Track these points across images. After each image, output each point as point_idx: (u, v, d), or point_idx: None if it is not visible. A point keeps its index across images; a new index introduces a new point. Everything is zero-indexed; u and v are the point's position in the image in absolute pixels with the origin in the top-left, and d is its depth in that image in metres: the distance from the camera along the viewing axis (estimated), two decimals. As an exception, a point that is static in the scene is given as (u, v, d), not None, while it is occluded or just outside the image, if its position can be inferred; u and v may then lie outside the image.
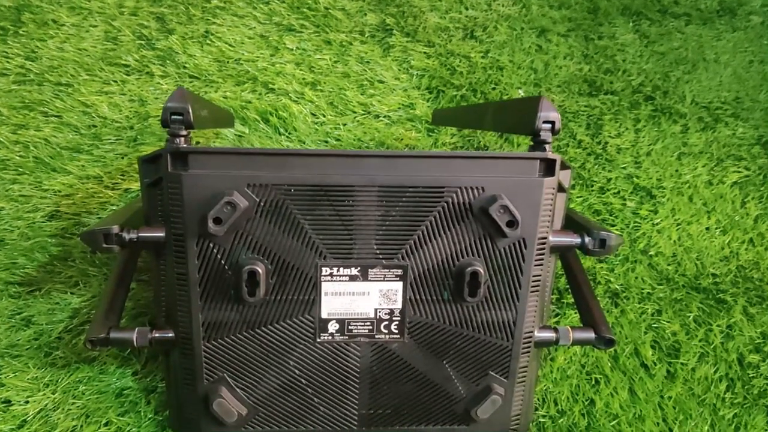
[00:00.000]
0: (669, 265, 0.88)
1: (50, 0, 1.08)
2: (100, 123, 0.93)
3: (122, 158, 0.91)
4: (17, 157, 0.87)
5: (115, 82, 0.99)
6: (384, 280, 0.63)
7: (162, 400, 0.70)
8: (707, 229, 0.93)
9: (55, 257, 0.79)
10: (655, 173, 0.98)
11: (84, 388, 0.69)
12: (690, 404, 0.74)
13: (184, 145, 0.60)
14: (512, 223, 0.62)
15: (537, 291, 0.66)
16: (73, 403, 0.67)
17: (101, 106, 0.95)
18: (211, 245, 0.60)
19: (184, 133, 0.61)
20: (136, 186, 0.87)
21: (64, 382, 0.69)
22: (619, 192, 0.96)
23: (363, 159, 0.61)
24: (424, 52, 1.10)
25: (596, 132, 1.02)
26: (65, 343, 0.73)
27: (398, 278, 0.63)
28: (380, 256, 0.63)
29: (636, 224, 0.93)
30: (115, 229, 0.61)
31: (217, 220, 0.58)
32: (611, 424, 0.72)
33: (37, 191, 0.85)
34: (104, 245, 0.61)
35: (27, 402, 0.67)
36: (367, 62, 1.07)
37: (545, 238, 0.65)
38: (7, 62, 0.99)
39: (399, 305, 0.64)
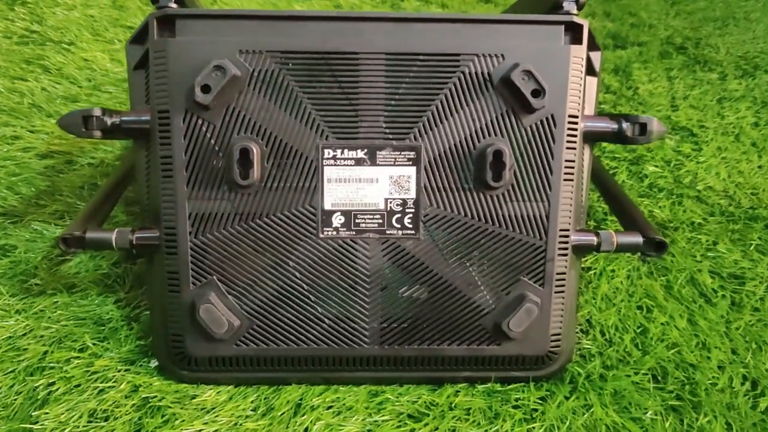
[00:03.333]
0: (721, 199, 0.79)
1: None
2: (101, 76, 0.91)
3: (121, 106, 0.87)
4: (12, 104, 0.85)
5: (119, 41, 0.97)
6: (394, 165, 0.56)
7: (146, 327, 0.62)
8: (760, 167, 0.85)
9: (42, 191, 0.74)
10: (695, 115, 0.91)
11: (60, 313, 0.62)
12: (763, 333, 0.63)
13: (172, 5, 0.55)
14: (538, 92, 0.55)
15: (571, 181, 0.58)
16: (46, 328, 0.60)
17: (103, 61, 0.93)
18: (200, 122, 0.55)
19: (173, 5, 0.56)
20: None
21: (38, 307, 0.62)
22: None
23: (368, 22, 0.55)
24: None
25: (625, 78, 0.96)
26: (43, 270, 0.66)
27: (411, 162, 0.56)
28: (390, 136, 0.56)
29: (678, 161, 0.84)
30: (97, 111, 0.56)
31: (205, 88, 0.53)
32: (670, 353, 0.61)
33: (30, 133, 0.81)
34: (84, 129, 0.56)
35: (-6, 327, 0.60)
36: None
37: (576, 117, 0.57)
38: (12, 25, 0.98)
39: (412, 194, 0.56)
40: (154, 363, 0.60)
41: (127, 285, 0.66)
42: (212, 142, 0.55)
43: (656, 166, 0.83)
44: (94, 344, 0.60)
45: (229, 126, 0.55)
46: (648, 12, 1.10)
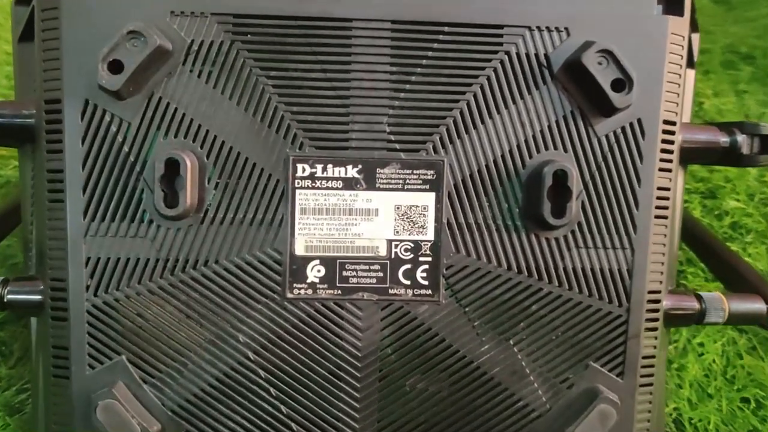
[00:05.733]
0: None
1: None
2: None
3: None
4: None
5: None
6: (403, 189, 0.38)
7: (31, 423, 0.43)
8: None
9: None
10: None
11: None
12: None
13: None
14: (622, 84, 0.37)
15: (664, 218, 0.39)
16: None
17: None
18: (107, 117, 0.36)
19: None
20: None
21: None
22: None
23: (366, -24, 0.38)
24: None
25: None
26: None
27: (428, 186, 0.38)
28: (397, 146, 0.38)
29: (765, 195, 0.67)
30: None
31: (115, 66, 0.35)
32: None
33: None
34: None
35: None
36: None
37: (673, 124, 0.39)
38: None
39: (430, 235, 0.38)
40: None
41: (14, 357, 0.47)
42: (125, 149, 0.37)
43: (738, 200, 0.65)
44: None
45: (151, 125, 0.37)
46: (702, 16, 0.93)
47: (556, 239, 0.38)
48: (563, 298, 0.39)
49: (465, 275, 0.38)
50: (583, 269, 0.39)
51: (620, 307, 0.39)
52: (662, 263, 0.40)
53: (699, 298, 0.42)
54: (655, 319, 0.40)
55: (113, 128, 0.36)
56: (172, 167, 0.36)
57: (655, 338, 0.40)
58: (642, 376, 0.40)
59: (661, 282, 0.40)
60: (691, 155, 0.42)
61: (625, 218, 0.39)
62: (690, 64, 0.43)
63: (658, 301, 0.40)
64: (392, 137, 0.38)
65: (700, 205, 0.66)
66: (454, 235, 0.38)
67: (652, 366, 0.40)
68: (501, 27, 0.38)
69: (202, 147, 0.37)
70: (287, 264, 0.37)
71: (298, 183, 0.37)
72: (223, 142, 0.37)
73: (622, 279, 0.39)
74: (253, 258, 0.37)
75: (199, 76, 0.37)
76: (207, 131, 0.37)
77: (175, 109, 0.37)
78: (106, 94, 0.35)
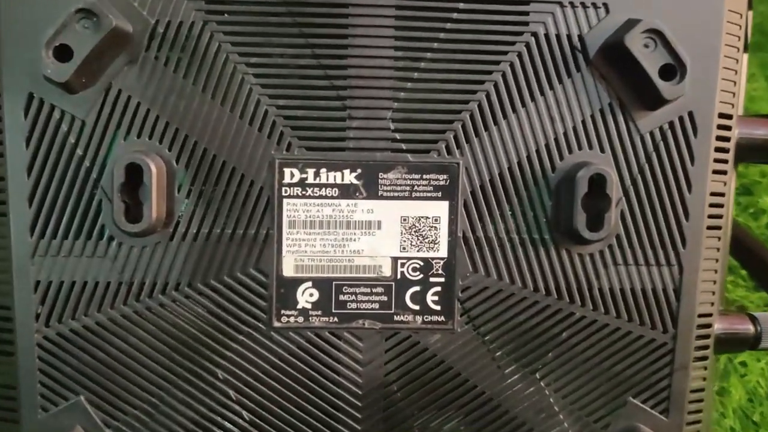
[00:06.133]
0: None
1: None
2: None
3: None
4: None
5: None
6: (410, 197, 0.32)
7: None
8: None
9: None
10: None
11: None
12: None
13: None
14: (673, 71, 0.31)
15: (718, 229, 0.34)
16: None
17: None
18: (55, 114, 0.31)
19: None
20: None
21: None
22: None
23: (365, -59, 0.32)
24: None
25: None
26: None
27: (440, 193, 0.32)
28: (403, 146, 0.32)
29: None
30: None
31: (63, 52, 0.29)
32: None
33: None
34: None
35: None
36: None
37: (730, 118, 0.34)
38: None
39: (442, 251, 0.32)
40: None
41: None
42: (79, 152, 0.31)
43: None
44: None
45: (109, 123, 0.31)
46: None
47: (591, 255, 0.33)
48: (598, 324, 0.33)
49: (484, 298, 0.32)
50: (622, 290, 0.33)
51: (665, 333, 0.33)
52: (714, 282, 0.34)
53: (753, 319, 0.36)
54: (705, 347, 0.34)
55: (64, 127, 0.30)
56: (135, 174, 0.30)
57: (705, 368, 0.34)
58: (690, 413, 0.34)
59: (712, 303, 0.34)
60: (745, 154, 0.36)
61: (672, 230, 0.33)
62: (745, 47, 0.37)
63: (709, 326, 0.34)
64: (397, 135, 0.32)
65: (734, 202, 0.60)
66: (471, 252, 0.32)
67: (701, 401, 0.34)
68: (527, 2, 0.32)
69: (170, 149, 0.31)
70: (274, 287, 0.32)
71: (286, 191, 0.32)
72: (195, 142, 0.31)
73: (668, 301, 0.33)
74: (232, 281, 0.32)
75: (165, 64, 0.31)
76: (176, 130, 0.31)
77: (138, 104, 0.31)
78: (53, 86, 0.29)
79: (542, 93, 0.32)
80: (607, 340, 0.33)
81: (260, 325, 0.32)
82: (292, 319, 0.32)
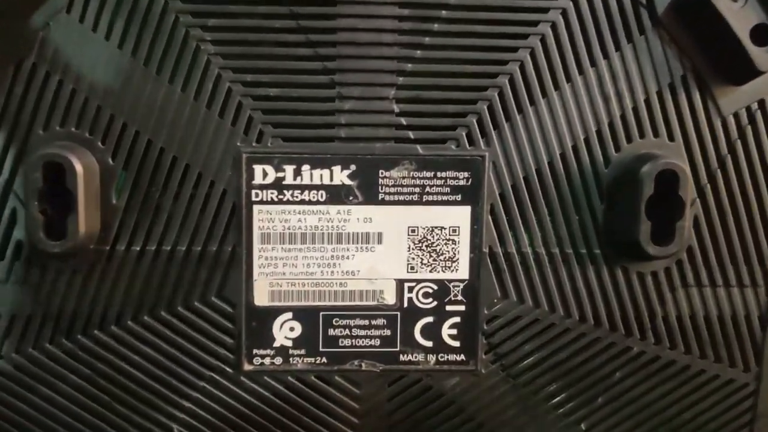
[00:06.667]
0: None
1: None
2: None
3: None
4: None
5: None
6: (422, 202, 0.25)
7: None
8: None
9: None
10: None
11: None
12: None
13: None
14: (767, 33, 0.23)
15: (816, 238, 0.26)
16: None
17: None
18: (-52, 97, 0.23)
19: None
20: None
21: None
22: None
23: None
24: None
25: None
26: None
27: (459, 196, 0.25)
28: (410, 134, 0.24)
29: None
30: None
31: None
32: None
33: None
34: None
35: None
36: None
37: (835, 95, 0.26)
38: None
39: (463, 272, 0.25)
40: None
41: None
42: (-18, 146, 0.24)
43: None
44: None
45: (22, 109, 0.23)
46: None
47: (655, 275, 0.25)
48: (662, 361, 0.26)
49: (515, 331, 0.25)
50: (693, 318, 0.26)
51: (747, 372, 0.26)
52: (810, 305, 0.27)
53: None
54: (796, 388, 0.27)
55: (-40, 113, 0.23)
56: (57, 175, 0.23)
57: (797, 417, 0.27)
58: (775, 472, 0.27)
59: (806, 333, 0.27)
60: None
61: (760, 242, 0.25)
62: None
63: (802, 362, 0.27)
64: (403, 120, 0.25)
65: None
66: (499, 272, 0.25)
67: (788, 456, 0.28)
68: (574, -59, 0.24)
69: (103, 142, 0.24)
70: (243, 320, 0.25)
71: (257, 195, 0.24)
72: (136, 133, 0.24)
73: (752, 331, 0.26)
74: (189, 312, 0.24)
75: (95, 29, 0.23)
76: (111, 117, 0.24)
77: (60, 83, 0.23)
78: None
79: (593, 63, 0.25)
80: (673, 381, 0.26)
81: (226, 368, 0.25)
82: (267, 361, 0.25)
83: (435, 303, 0.25)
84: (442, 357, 0.25)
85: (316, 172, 0.24)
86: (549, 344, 0.26)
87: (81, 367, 0.25)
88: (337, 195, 0.24)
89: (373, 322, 0.25)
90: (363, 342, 0.25)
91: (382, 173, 0.24)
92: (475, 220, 0.25)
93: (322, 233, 0.25)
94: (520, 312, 0.25)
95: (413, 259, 0.25)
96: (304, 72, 0.24)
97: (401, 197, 0.25)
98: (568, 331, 0.26)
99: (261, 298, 0.24)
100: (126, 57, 0.23)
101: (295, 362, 0.25)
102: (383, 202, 0.25)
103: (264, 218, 0.24)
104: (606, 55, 0.25)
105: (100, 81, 0.23)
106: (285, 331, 0.25)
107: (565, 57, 0.25)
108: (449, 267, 0.25)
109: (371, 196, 0.24)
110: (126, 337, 0.24)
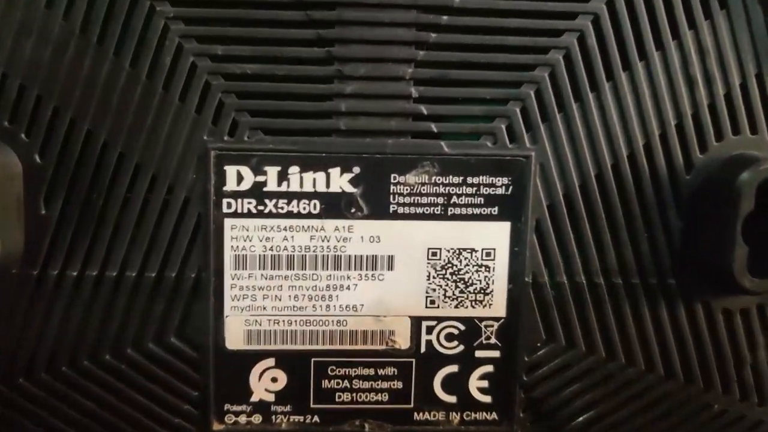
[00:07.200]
0: None
1: None
2: None
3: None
4: None
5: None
6: (446, 216, 0.19)
7: None
8: None
9: None
10: None
11: None
12: None
13: None
14: None
15: None
16: None
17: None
18: None
19: None
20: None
21: None
22: None
23: None
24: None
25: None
26: None
27: (497, 208, 0.19)
28: (432, 126, 0.19)
29: None
30: None
31: None
32: None
33: None
34: None
35: None
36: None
37: None
38: None
39: (499, 308, 0.19)
40: None
41: None
42: None
43: None
44: None
45: None
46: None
47: (745, 313, 0.20)
48: (750, 421, 0.20)
49: (563, 383, 0.20)
50: (797, 368, 0.20)
51: None
52: None
53: None
54: None
55: None
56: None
57: None
58: None
59: None
60: None
61: None
62: None
63: None
64: (422, 108, 0.19)
65: None
66: (545, 308, 0.20)
67: None
68: None
69: (27, 135, 0.18)
70: (211, 368, 0.19)
71: (230, 205, 0.19)
72: (72, 122, 0.18)
73: None
74: (141, 356, 0.19)
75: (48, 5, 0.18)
76: (39, 99, 0.18)
77: (-30, 54, 0.18)
78: None
79: (676, 36, 0.19)
80: (766, 449, 0.21)
81: (189, 427, 0.20)
82: (242, 419, 0.19)
83: (461, 348, 0.20)
84: (468, 416, 0.20)
85: (308, 176, 0.19)
86: (606, 400, 0.20)
87: (2, 427, 0.19)
88: (335, 206, 0.19)
89: (381, 372, 0.20)
90: (367, 397, 0.20)
91: (394, 178, 0.19)
92: (516, 241, 0.19)
93: (315, 256, 0.19)
94: (570, 359, 0.20)
95: (434, 290, 0.19)
96: (292, 42, 0.18)
97: (419, 210, 0.19)
98: (631, 384, 0.20)
99: (234, 339, 0.19)
100: (56, 20, 0.18)
101: (278, 421, 0.20)
102: (395, 216, 0.19)
103: (238, 236, 0.19)
104: (692, 25, 0.19)
105: (22, 53, 0.18)
106: (266, 382, 0.19)
107: (639, 26, 0.19)
108: (481, 301, 0.19)
109: (380, 209, 0.19)
110: (60, 387, 0.19)
